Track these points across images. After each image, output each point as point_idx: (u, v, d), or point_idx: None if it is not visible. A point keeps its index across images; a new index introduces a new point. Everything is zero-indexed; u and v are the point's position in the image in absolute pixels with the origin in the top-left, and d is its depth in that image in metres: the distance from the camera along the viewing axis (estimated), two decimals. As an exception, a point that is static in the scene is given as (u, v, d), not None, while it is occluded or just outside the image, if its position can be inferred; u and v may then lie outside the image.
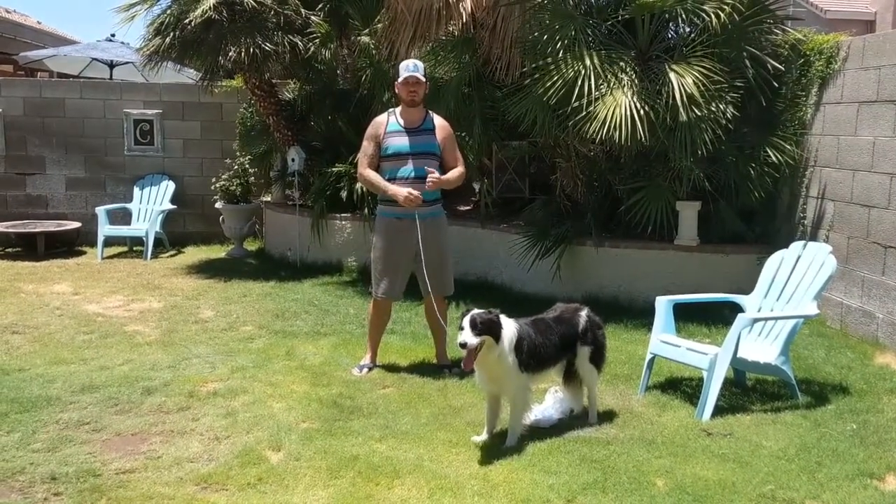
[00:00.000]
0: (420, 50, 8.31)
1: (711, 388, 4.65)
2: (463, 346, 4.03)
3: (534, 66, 6.97)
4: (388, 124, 5.43)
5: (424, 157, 5.37)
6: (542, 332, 4.42)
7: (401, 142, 5.37)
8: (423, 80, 5.37)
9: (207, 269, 9.26)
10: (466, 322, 4.06)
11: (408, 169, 5.34)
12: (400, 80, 5.36)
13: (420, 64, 5.43)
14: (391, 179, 5.36)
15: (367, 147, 5.47)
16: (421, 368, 5.59)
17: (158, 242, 10.35)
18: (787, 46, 7.06)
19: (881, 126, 6.02)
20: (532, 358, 4.28)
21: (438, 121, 5.52)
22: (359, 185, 8.73)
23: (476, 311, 4.15)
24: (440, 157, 5.44)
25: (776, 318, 5.05)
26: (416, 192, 5.23)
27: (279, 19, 8.74)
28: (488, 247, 8.24)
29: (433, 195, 5.43)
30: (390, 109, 5.58)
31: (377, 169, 5.45)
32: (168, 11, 8.68)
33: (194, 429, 4.45)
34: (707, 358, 4.72)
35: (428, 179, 5.24)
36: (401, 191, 5.25)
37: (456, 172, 5.44)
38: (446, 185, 5.42)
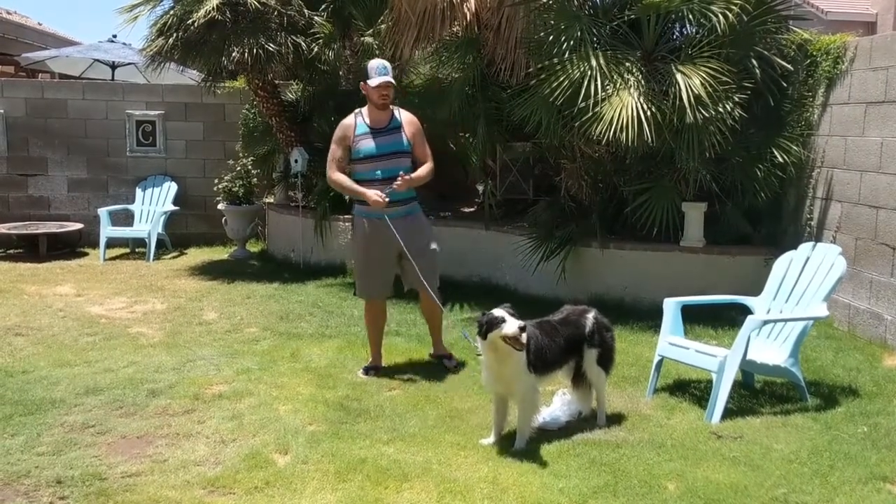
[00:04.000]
0: (424, 51, 8.30)
1: (721, 390, 4.61)
2: (523, 329, 4.00)
3: (539, 66, 6.93)
4: (357, 126, 5.37)
5: (396, 156, 5.34)
6: (548, 333, 4.39)
7: (371, 144, 5.32)
8: (392, 81, 5.33)
9: (210, 271, 9.23)
10: (505, 313, 4.05)
11: (379, 171, 5.30)
12: (372, 83, 5.25)
13: (389, 65, 5.38)
14: (363, 181, 5.32)
15: (335, 151, 5.40)
16: (427, 370, 5.56)
17: (161, 244, 10.33)
18: (793, 47, 7.03)
19: (889, 127, 5.99)
20: (539, 359, 4.26)
21: (405, 116, 5.47)
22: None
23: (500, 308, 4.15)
24: (411, 153, 5.41)
25: (786, 320, 5.01)
26: (382, 195, 5.18)
27: (282, 20, 8.72)
28: (492, 248, 8.20)
29: (405, 194, 5.36)
30: (356, 110, 5.49)
31: (348, 173, 5.40)
32: (171, 12, 8.65)
33: (200, 431, 4.42)
34: (716, 360, 4.68)
35: (395, 183, 5.20)
36: (370, 193, 5.20)
37: (424, 169, 5.41)
38: (416, 183, 5.36)
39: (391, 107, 5.44)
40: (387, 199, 5.19)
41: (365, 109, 5.43)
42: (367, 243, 5.47)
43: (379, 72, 5.26)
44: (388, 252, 5.40)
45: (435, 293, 5.42)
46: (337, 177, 5.39)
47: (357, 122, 5.39)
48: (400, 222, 5.29)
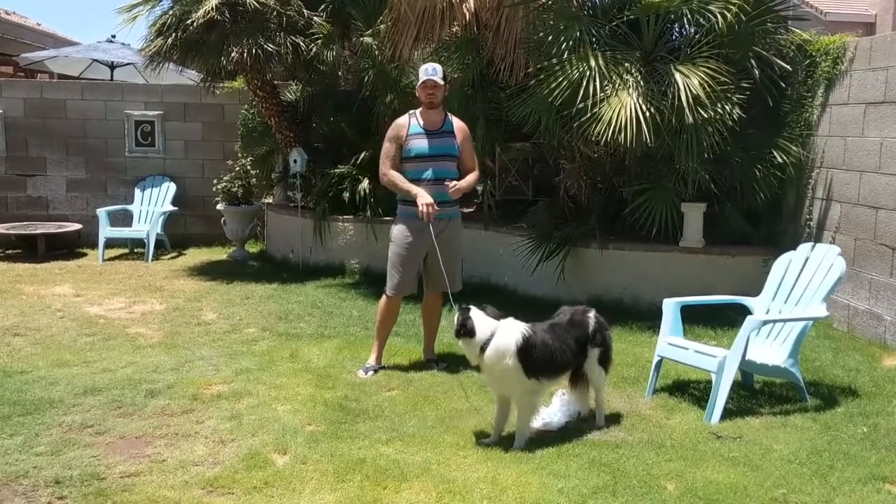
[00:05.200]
0: (423, 51, 8.28)
1: (720, 390, 4.61)
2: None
3: (538, 67, 6.94)
4: (410, 126, 5.49)
5: (445, 159, 5.47)
6: (560, 337, 4.39)
7: (423, 144, 5.44)
8: (441, 83, 5.45)
9: (209, 271, 9.22)
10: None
11: (430, 171, 5.42)
12: (419, 82, 5.42)
13: (439, 67, 5.51)
14: (413, 181, 5.43)
15: (388, 148, 5.53)
16: (426, 371, 5.55)
17: (160, 244, 10.31)
18: (792, 47, 7.03)
19: (889, 127, 5.99)
20: (547, 363, 4.26)
21: (457, 122, 5.61)
22: (361, 186, 8.77)
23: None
24: (458, 158, 5.53)
25: (785, 321, 5.01)
26: (434, 206, 5.29)
27: (281, 20, 8.72)
28: (492, 249, 8.20)
29: (451, 196, 5.50)
30: (411, 111, 5.62)
31: (398, 170, 5.50)
32: (170, 12, 8.65)
33: (199, 432, 4.41)
34: (716, 360, 4.68)
35: (451, 189, 5.36)
36: (423, 199, 5.28)
37: (473, 176, 5.58)
38: (464, 191, 5.53)
39: (446, 112, 5.60)
40: (438, 209, 5.32)
41: (418, 111, 5.55)
42: (405, 241, 5.51)
43: (426, 72, 5.42)
44: (422, 251, 5.52)
45: (452, 297, 5.53)
46: (391, 175, 5.50)
47: (411, 122, 5.52)
48: (439, 224, 5.42)
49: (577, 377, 4.65)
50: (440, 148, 5.45)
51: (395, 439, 4.32)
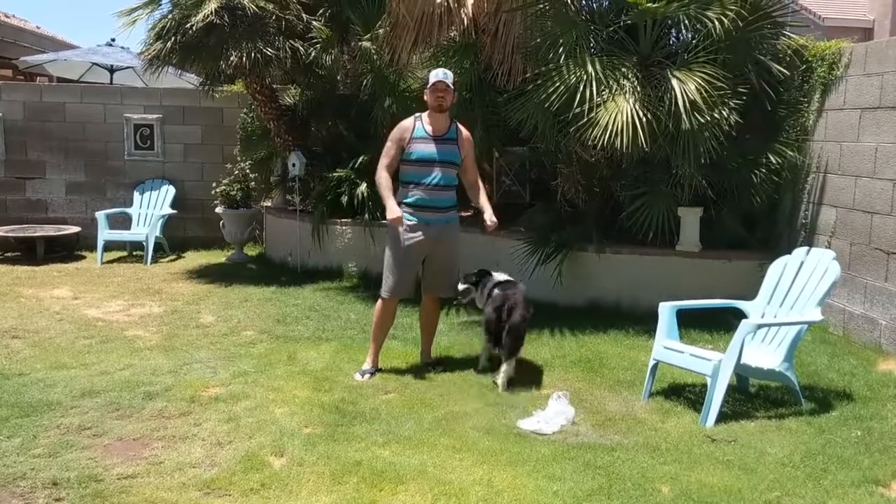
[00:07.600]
0: (421, 55, 8.31)
1: (715, 394, 4.63)
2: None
3: (535, 71, 6.97)
4: (415, 129, 5.49)
5: (447, 165, 5.48)
6: None
7: (426, 149, 5.44)
8: (452, 87, 5.45)
9: (208, 274, 9.24)
10: None
11: (431, 176, 5.44)
12: (429, 85, 5.42)
13: (449, 72, 5.52)
14: (411, 184, 5.46)
15: (389, 148, 5.54)
16: (422, 374, 5.57)
17: (158, 247, 10.32)
18: (789, 52, 7.06)
19: (884, 132, 6.02)
20: None
21: (463, 132, 5.61)
22: (359, 190, 8.80)
23: None
24: (460, 167, 5.56)
25: (780, 324, 5.03)
26: (401, 217, 5.37)
27: (280, 24, 8.73)
28: (489, 252, 8.17)
29: (449, 202, 5.57)
30: (416, 114, 5.62)
31: (398, 171, 5.54)
32: (169, 16, 8.65)
33: (196, 434, 4.43)
34: (711, 364, 4.70)
35: (489, 225, 5.48)
36: (391, 214, 5.36)
37: (483, 195, 5.67)
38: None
39: (452, 119, 5.59)
40: (408, 223, 5.41)
41: (424, 115, 5.55)
42: (400, 244, 5.53)
43: (436, 75, 5.44)
44: (418, 254, 5.55)
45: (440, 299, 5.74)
46: (380, 177, 5.50)
47: (416, 125, 5.52)
48: (436, 228, 5.49)
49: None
50: (442, 154, 5.44)
51: (392, 442, 4.33)
